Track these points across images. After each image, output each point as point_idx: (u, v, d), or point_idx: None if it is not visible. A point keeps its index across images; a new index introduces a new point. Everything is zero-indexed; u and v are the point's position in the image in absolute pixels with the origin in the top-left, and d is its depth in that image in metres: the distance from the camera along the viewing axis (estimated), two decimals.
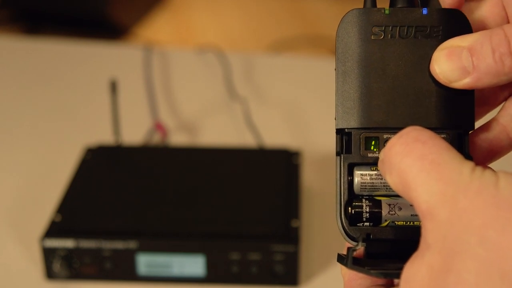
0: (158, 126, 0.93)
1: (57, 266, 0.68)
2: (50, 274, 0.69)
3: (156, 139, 0.92)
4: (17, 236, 0.76)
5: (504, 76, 0.36)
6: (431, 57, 0.38)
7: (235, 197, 0.74)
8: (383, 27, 0.39)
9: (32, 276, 0.71)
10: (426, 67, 0.38)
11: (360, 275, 0.38)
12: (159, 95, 1.03)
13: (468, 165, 0.32)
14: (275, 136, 0.91)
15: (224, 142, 0.89)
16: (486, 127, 0.40)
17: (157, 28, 1.78)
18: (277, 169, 0.78)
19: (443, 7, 0.39)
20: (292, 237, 0.68)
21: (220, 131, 0.96)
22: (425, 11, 0.38)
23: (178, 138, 0.94)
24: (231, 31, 2.17)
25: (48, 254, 0.68)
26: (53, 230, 0.69)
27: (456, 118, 0.38)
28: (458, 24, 0.38)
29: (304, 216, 0.77)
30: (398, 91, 0.38)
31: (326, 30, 2.17)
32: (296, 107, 1.00)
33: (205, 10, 2.19)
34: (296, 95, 1.04)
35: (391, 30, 0.39)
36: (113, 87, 0.81)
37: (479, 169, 0.32)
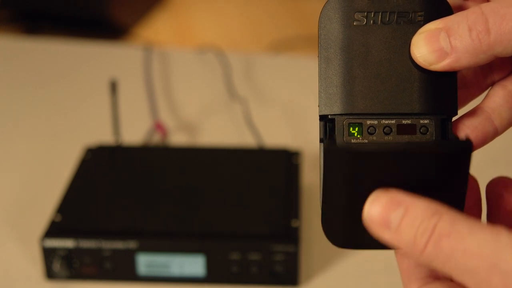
0: (158, 126, 0.93)
1: (57, 266, 0.68)
2: (50, 274, 0.69)
3: (156, 139, 0.92)
4: (17, 236, 0.76)
5: (482, 54, 0.36)
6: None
7: (235, 197, 0.74)
8: (365, 13, 0.39)
9: (32, 276, 0.71)
10: (408, 53, 0.38)
11: (418, 265, 0.37)
12: (159, 95, 1.03)
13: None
14: (275, 136, 0.91)
15: (224, 142, 0.89)
16: (471, 113, 0.40)
17: (157, 28, 1.78)
18: (277, 169, 0.78)
19: None
20: (292, 237, 0.68)
21: (220, 131, 0.96)
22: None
23: (178, 138, 0.94)
24: (231, 31, 2.17)
25: (48, 254, 0.68)
26: (53, 230, 0.69)
27: (439, 103, 0.38)
28: (440, 9, 0.38)
29: (304, 216, 0.77)
30: (381, 77, 0.38)
31: None
32: (296, 107, 1.00)
33: (205, 10, 2.19)
34: (296, 95, 1.04)
35: (373, 16, 0.39)
36: (113, 87, 0.81)
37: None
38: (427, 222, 0.33)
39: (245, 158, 0.80)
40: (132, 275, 0.69)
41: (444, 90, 0.38)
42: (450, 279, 0.37)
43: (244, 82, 1.06)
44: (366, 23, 0.39)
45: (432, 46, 0.37)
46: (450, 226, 0.32)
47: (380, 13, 0.39)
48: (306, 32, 2.17)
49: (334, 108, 0.39)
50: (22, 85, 1.08)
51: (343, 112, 0.39)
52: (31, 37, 1.31)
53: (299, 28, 2.25)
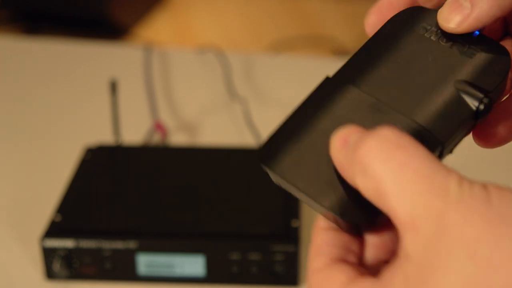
0: (158, 126, 0.93)
1: (57, 266, 0.68)
2: (50, 274, 0.69)
3: (156, 139, 0.92)
4: (17, 236, 0.76)
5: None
6: (454, 70, 0.38)
7: (235, 197, 0.74)
8: (430, 27, 0.40)
9: (32, 276, 0.71)
10: (443, 76, 0.38)
11: (331, 241, 0.36)
12: (159, 95, 1.03)
13: (454, 178, 0.31)
14: None
15: (224, 142, 0.89)
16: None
17: (157, 28, 1.78)
18: None
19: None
20: (292, 237, 0.68)
21: (220, 131, 0.96)
22: (476, 33, 0.39)
23: (178, 138, 0.94)
24: (231, 31, 2.17)
25: (48, 254, 0.68)
26: (53, 230, 0.69)
27: (439, 130, 0.37)
28: (495, 52, 0.39)
29: (304, 216, 0.77)
30: (405, 79, 0.39)
31: (326, 30, 2.17)
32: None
33: (205, 10, 2.19)
34: (296, 95, 1.04)
35: (436, 31, 0.40)
36: (113, 87, 0.81)
37: (466, 183, 0.31)
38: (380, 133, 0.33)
39: (245, 158, 0.80)
40: (132, 275, 0.69)
41: (449, 123, 0.38)
42: (358, 263, 0.36)
43: (244, 82, 1.06)
44: (425, 33, 0.40)
45: (455, 6, 0.38)
46: (409, 148, 0.32)
47: (442, 34, 0.40)
48: (306, 32, 2.17)
49: (347, 74, 0.39)
50: (22, 85, 1.08)
51: (353, 83, 0.39)
52: (31, 37, 1.32)
53: (299, 28, 2.25)
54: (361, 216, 0.35)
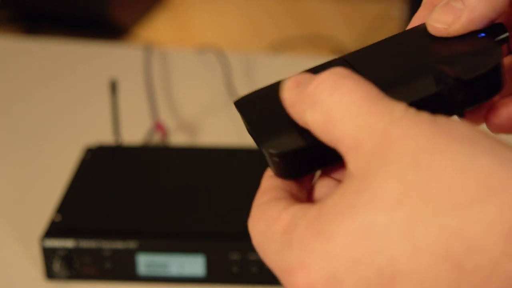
0: (158, 126, 0.93)
1: (57, 266, 0.68)
2: (50, 274, 0.69)
3: (156, 139, 0.92)
4: (17, 236, 0.76)
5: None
6: (438, 55, 0.38)
7: (235, 197, 0.74)
8: None
9: (32, 276, 0.71)
10: (424, 59, 0.38)
11: (277, 184, 0.36)
12: (159, 95, 1.03)
13: (401, 104, 0.31)
14: None
15: (224, 142, 0.89)
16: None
17: (157, 28, 1.78)
18: None
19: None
20: None
21: (220, 131, 0.96)
22: (482, 34, 0.38)
23: (178, 138, 0.94)
24: (231, 31, 2.17)
25: (48, 254, 0.68)
26: (53, 230, 0.69)
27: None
28: (484, 52, 0.38)
29: None
30: (387, 58, 0.39)
31: (326, 30, 2.17)
32: None
33: (205, 10, 2.19)
34: None
35: None
36: (113, 87, 0.81)
37: (413, 109, 0.31)
38: (327, 76, 0.33)
39: (245, 158, 0.80)
40: (132, 275, 0.69)
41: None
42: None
43: (244, 82, 1.06)
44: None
45: (447, 9, 0.38)
46: (352, 80, 0.32)
47: None
48: (306, 32, 2.17)
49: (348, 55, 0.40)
50: (22, 85, 1.08)
51: (344, 57, 0.40)
52: (31, 37, 1.32)
53: (299, 28, 2.25)
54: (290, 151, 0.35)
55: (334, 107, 0.31)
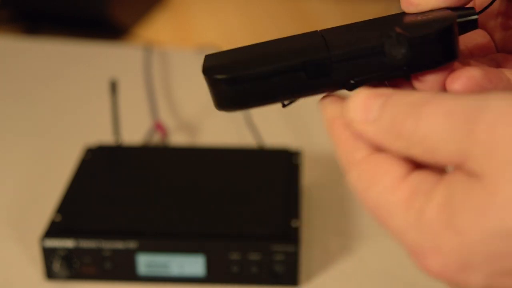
0: (158, 126, 0.93)
1: (57, 266, 0.68)
2: (50, 274, 0.69)
3: (156, 139, 0.92)
4: (17, 236, 0.76)
5: None
6: (394, 22, 0.39)
7: (235, 197, 0.74)
8: None
9: (32, 276, 0.71)
10: (382, 26, 0.40)
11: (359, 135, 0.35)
12: (159, 95, 1.03)
13: (485, 99, 0.31)
14: (275, 136, 0.91)
15: (224, 142, 0.89)
16: None
17: (157, 28, 1.78)
18: (277, 169, 0.78)
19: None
20: (292, 237, 0.68)
21: (220, 131, 0.96)
22: (447, 10, 0.39)
23: (178, 138, 0.94)
24: (231, 31, 2.17)
25: (48, 254, 0.68)
26: (53, 230, 0.69)
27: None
28: (438, 18, 0.38)
29: (304, 216, 0.77)
30: (354, 30, 0.40)
31: None
32: (296, 107, 1.00)
33: (205, 10, 2.19)
34: None
35: None
36: (113, 87, 0.81)
37: (495, 100, 0.31)
38: (406, 102, 0.33)
39: (245, 158, 0.80)
40: (132, 275, 0.69)
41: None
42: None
43: None
44: None
45: None
46: (432, 104, 0.32)
47: None
48: (306, 32, 2.17)
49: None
50: (22, 85, 1.08)
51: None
52: (31, 37, 1.32)
53: (299, 28, 2.24)
54: None
55: (427, 137, 0.32)
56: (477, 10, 0.41)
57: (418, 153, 0.33)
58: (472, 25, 0.39)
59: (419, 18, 0.38)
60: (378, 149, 0.35)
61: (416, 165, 0.34)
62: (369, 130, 0.34)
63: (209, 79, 0.38)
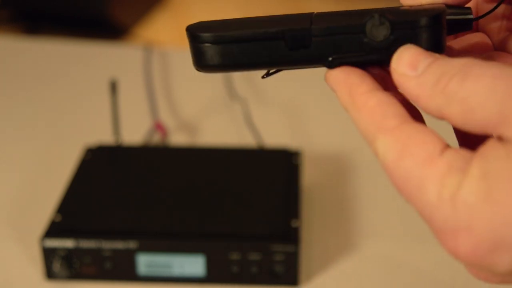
0: (158, 126, 0.93)
1: (57, 266, 0.68)
2: (50, 274, 0.69)
3: (156, 139, 0.92)
4: (17, 236, 0.76)
5: None
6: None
7: (235, 197, 0.74)
8: None
9: (32, 276, 0.71)
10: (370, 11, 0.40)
11: (389, 100, 0.35)
12: (159, 95, 1.03)
13: None
14: (275, 136, 0.91)
15: (224, 142, 0.89)
16: None
17: (157, 28, 1.78)
18: (277, 169, 0.78)
19: None
20: (292, 237, 0.68)
21: (220, 131, 0.96)
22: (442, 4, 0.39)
23: (178, 138, 0.94)
24: None
25: (48, 254, 0.68)
26: (53, 230, 0.69)
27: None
28: (427, 8, 0.38)
29: (304, 216, 0.77)
30: (347, 13, 0.40)
31: None
32: (296, 107, 1.00)
33: (205, 10, 2.19)
34: (296, 95, 1.04)
35: None
36: (113, 87, 0.81)
37: None
38: (456, 64, 0.33)
39: (245, 158, 0.80)
40: (132, 275, 0.69)
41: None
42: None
43: (244, 82, 1.06)
44: None
45: None
46: (480, 67, 0.32)
47: None
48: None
49: None
50: (22, 85, 1.08)
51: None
52: (31, 37, 1.31)
53: None
54: None
55: (469, 96, 0.31)
56: (480, 13, 0.41)
57: (456, 112, 0.32)
58: (466, 25, 0.39)
59: (412, 8, 0.38)
60: (409, 119, 0.34)
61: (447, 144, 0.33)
62: (411, 82, 0.34)
63: (191, 35, 0.39)
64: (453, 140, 0.37)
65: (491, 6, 0.40)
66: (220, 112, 1.00)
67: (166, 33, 1.72)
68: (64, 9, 1.65)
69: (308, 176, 0.83)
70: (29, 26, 1.41)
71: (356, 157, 0.88)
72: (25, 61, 1.15)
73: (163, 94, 1.04)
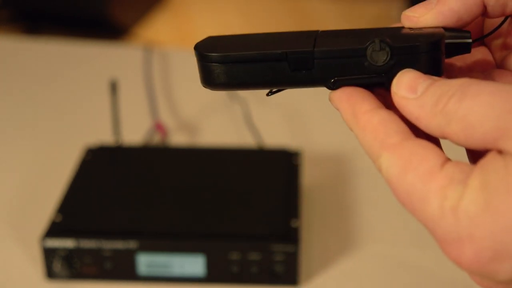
0: (158, 126, 0.93)
1: (57, 266, 0.68)
2: (50, 274, 0.69)
3: (156, 139, 0.92)
4: (17, 236, 0.76)
5: None
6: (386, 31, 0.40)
7: (235, 197, 0.74)
8: None
9: (32, 276, 0.71)
10: (373, 33, 0.40)
11: (391, 118, 0.36)
12: (159, 95, 1.03)
13: None
14: (275, 136, 0.91)
15: (224, 142, 0.89)
16: None
17: (157, 28, 1.78)
18: (277, 169, 0.78)
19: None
20: (292, 237, 0.68)
21: (220, 131, 0.96)
22: (441, 29, 0.39)
23: (178, 138, 0.94)
24: (231, 31, 2.17)
25: (48, 254, 0.68)
26: (53, 230, 0.69)
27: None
28: (427, 34, 0.39)
29: (304, 216, 0.77)
30: (347, 33, 0.41)
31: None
32: (296, 107, 1.01)
33: (205, 10, 2.19)
34: (296, 95, 1.04)
35: None
36: (113, 87, 0.81)
37: None
38: (453, 84, 0.34)
39: (245, 158, 0.80)
40: (132, 275, 0.69)
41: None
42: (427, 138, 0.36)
43: None
44: None
45: (422, 3, 0.39)
46: (477, 85, 0.33)
47: None
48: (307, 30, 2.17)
49: None
50: (22, 85, 1.08)
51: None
52: (31, 37, 1.32)
53: (299, 28, 2.25)
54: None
55: (468, 114, 0.33)
56: (485, 30, 0.41)
57: (456, 130, 0.33)
58: (464, 48, 0.39)
59: (412, 31, 0.39)
60: (411, 136, 0.35)
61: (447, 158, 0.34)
62: (411, 104, 0.35)
63: (199, 54, 0.40)
64: (460, 152, 0.38)
65: (497, 22, 0.41)
66: (220, 112, 1.00)
67: (166, 33, 1.72)
68: (64, 9, 1.65)
69: (308, 176, 0.83)
70: (29, 26, 1.41)
71: (356, 157, 0.88)
72: (25, 61, 1.15)
73: (163, 94, 1.04)
